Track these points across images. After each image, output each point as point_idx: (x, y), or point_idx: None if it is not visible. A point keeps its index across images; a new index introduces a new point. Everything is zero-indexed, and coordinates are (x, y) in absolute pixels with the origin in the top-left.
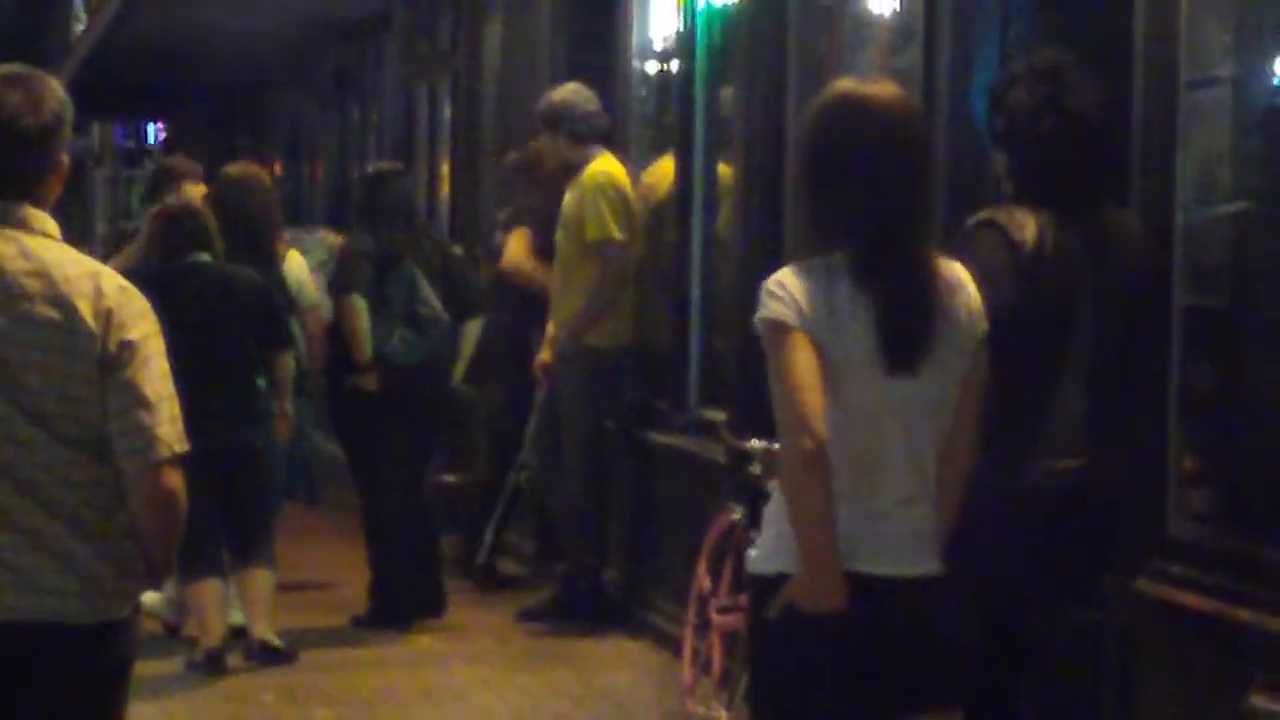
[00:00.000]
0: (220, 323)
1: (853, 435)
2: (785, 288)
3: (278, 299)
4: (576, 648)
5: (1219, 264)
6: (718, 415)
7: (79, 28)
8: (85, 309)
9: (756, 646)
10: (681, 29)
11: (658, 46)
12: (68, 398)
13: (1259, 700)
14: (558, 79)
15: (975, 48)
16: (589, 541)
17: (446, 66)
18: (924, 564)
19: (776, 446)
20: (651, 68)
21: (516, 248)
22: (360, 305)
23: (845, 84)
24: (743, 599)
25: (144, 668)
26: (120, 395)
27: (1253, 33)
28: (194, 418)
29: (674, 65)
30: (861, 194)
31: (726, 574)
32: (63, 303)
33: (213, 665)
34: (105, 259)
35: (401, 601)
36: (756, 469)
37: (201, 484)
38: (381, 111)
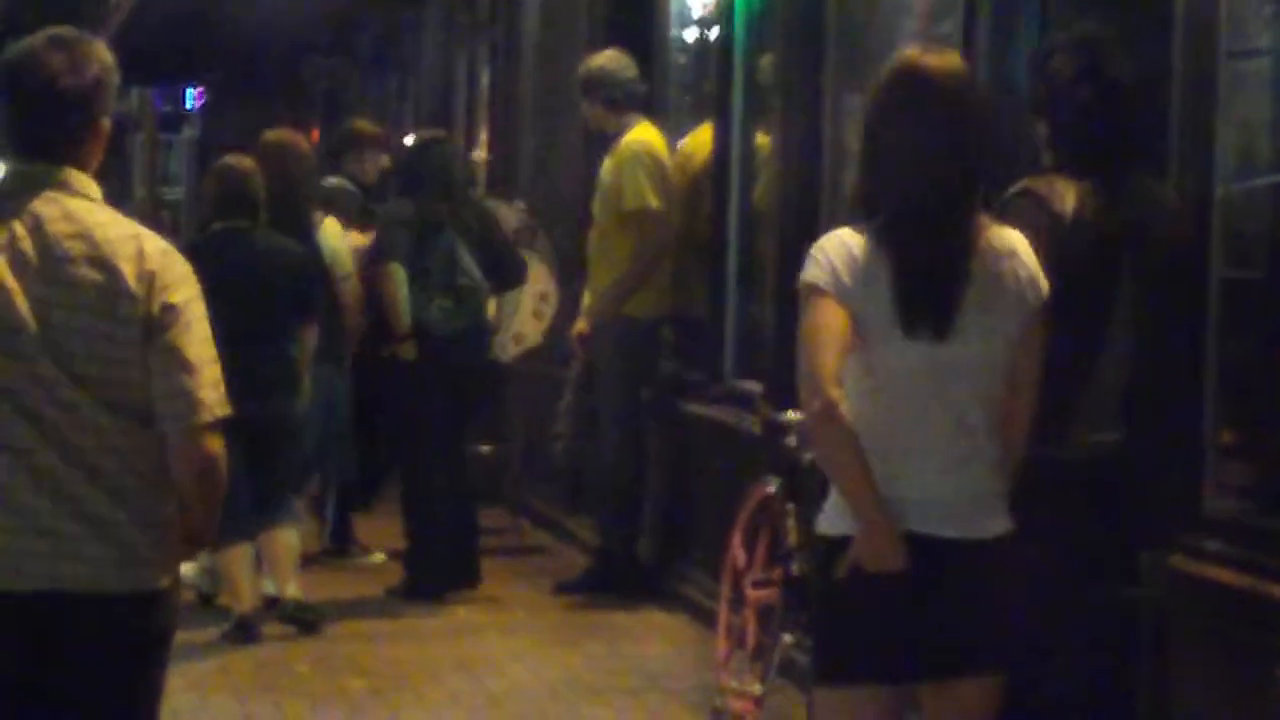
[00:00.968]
0: (259, 290)
1: (887, 399)
2: (825, 251)
3: (313, 269)
4: (611, 620)
5: (1258, 236)
6: (754, 386)
7: None
8: (129, 271)
9: (821, 607)
10: None
11: (696, 14)
12: (110, 360)
13: None
14: (596, 46)
15: (1016, 16)
16: (625, 513)
17: (486, 34)
18: (986, 526)
19: None
20: (690, 35)
21: None
22: (399, 274)
23: (908, 54)
24: (776, 573)
25: (178, 637)
26: (162, 358)
27: None
28: (231, 384)
29: (713, 32)
30: (903, 163)
31: (761, 548)
32: (106, 265)
33: (244, 632)
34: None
35: (437, 573)
36: (793, 441)
37: (236, 450)
38: (420, 78)
